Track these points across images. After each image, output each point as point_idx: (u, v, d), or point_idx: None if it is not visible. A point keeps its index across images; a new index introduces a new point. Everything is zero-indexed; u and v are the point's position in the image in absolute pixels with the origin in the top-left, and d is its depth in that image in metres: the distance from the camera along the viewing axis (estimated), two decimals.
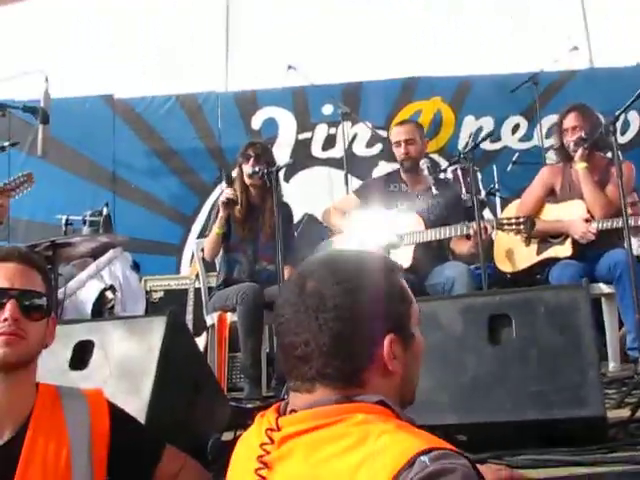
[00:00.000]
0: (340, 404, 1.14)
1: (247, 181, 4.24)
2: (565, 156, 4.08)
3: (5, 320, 1.63)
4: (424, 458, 1.00)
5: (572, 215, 3.92)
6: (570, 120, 3.98)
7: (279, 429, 1.17)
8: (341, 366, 1.16)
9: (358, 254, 1.29)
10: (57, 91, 4.48)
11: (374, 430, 1.08)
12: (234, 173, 4.45)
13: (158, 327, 2.26)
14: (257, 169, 4.06)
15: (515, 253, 4.06)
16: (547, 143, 5.88)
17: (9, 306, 1.64)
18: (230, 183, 4.44)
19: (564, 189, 4.07)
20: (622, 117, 6.81)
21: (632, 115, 7.03)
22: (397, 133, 4.23)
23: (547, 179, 4.14)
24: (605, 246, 3.86)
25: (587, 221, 3.82)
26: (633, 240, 4.31)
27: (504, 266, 4.08)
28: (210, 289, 4.59)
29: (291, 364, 1.20)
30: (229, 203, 4.20)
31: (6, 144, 4.03)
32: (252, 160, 4.18)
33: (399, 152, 4.14)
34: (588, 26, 7.87)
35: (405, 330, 1.22)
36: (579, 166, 3.90)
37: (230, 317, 4.21)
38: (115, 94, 6.78)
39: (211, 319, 4.35)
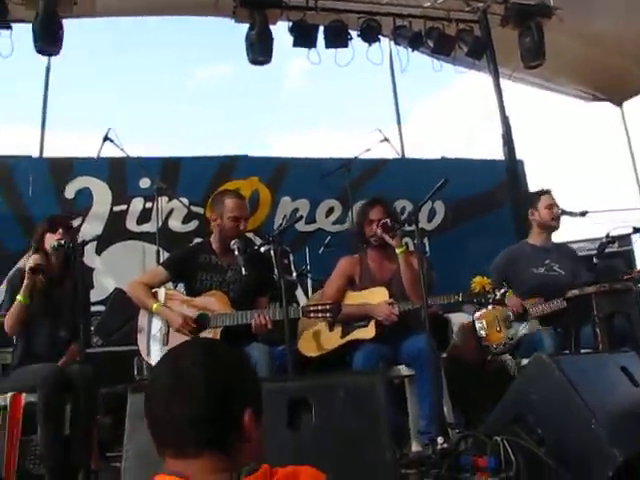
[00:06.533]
0: None
1: (49, 251, 4.00)
2: (363, 244, 4.22)
3: None
4: None
5: (375, 300, 4.01)
6: (377, 212, 4.14)
7: None
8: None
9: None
10: None
11: None
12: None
13: None
14: (63, 242, 3.84)
15: (320, 336, 4.08)
16: None
17: None
18: (37, 250, 4.17)
19: (363, 278, 4.19)
20: (429, 206, 7.30)
21: (438, 204, 7.50)
22: (237, 207, 4.01)
23: (346, 270, 4.23)
24: (408, 329, 3.98)
25: (390, 304, 3.94)
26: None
27: (308, 350, 4.06)
28: (4, 366, 4.25)
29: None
30: (37, 270, 3.92)
31: None
32: (59, 232, 3.95)
33: (233, 225, 3.95)
34: (401, 120, 8.44)
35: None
36: (398, 251, 4.03)
37: (26, 397, 3.90)
38: None
39: (3, 400, 4.01)
